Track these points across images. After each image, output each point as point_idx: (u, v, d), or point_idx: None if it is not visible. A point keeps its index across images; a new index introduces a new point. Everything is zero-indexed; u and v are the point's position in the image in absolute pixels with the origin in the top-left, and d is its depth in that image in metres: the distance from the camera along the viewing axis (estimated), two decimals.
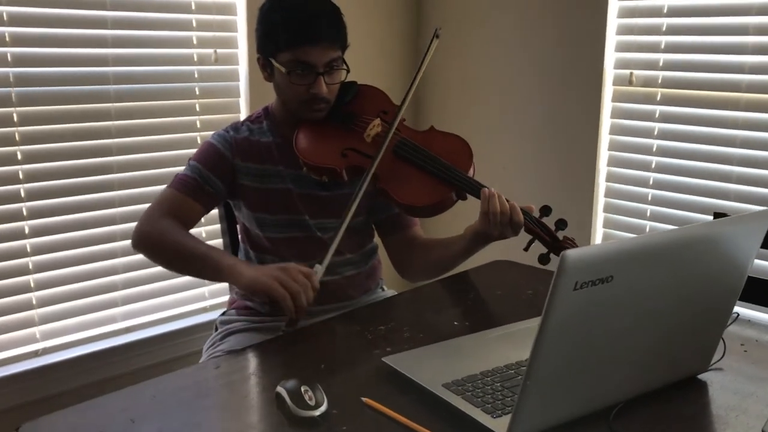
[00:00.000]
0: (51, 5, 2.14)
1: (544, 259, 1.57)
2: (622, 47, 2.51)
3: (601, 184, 2.63)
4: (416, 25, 3.08)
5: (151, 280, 2.43)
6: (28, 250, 2.21)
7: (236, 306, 1.92)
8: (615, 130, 2.57)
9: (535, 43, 2.71)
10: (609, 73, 2.55)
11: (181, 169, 1.74)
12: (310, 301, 1.48)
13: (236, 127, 1.79)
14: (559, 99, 2.67)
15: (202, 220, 2.36)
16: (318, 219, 1.77)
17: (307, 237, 1.78)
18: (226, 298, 1.99)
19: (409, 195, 1.64)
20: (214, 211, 1.88)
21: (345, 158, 1.68)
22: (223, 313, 1.91)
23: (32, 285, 2.23)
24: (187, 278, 2.55)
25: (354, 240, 1.86)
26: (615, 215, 2.61)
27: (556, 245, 1.57)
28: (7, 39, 2.09)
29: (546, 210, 1.61)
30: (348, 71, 1.73)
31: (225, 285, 2.23)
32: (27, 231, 2.19)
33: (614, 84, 2.54)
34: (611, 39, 2.52)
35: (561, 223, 1.59)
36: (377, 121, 1.73)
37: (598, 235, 2.66)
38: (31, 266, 2.22)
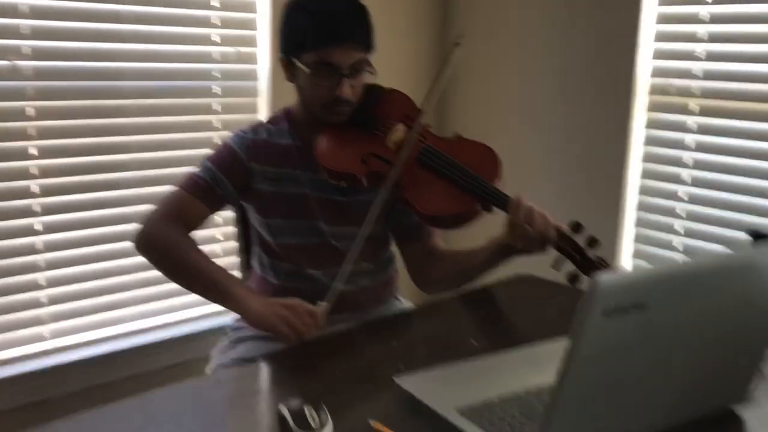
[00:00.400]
0: None
1: (573, 278, 1.48)
2: (659, 55, 2.40)
3: (632, 197, 2.52)
4: (443, 31, 2.99)
5: (164, 280, 2.36)
6: (40, 247, 2.16)
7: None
8: (649, 141, 2.46)
9: (564, 49, 2.61)
10: (644, 81, 2.44)
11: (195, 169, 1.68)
12: (313, 338, 1.45)
13: (255, 128, 1.73)
14: (588, 108, 2.57)
15: (220, 220, 2.36)
16: (333, 226, 1.70)
17: (321, 244, 1.71)
18: None
19: (432, 205, 1.56)
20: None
21: (365, 164, 1.61)
22: (237, 320, 1.85)
23: (43, 283, 2.18)
24: None
25: (370, 248, 1.78)
26: (646, 229, 2.50)
27: (586, 265, 1.48)
28: (25, 32, 2.04)
29: (577, 227, 1.51)
30: (374, 74, 1.66)
31: None
32: (39, 227, 2.15)
33: (650, 93, 2.43)
34: (648, 46, 2.41)
35: (593, 242, 1.49)
36: (400, 126, 1.65)
37: (627, 251, 2.55)
38: (42, 263, 2.17)
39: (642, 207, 2.51)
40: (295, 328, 1.44)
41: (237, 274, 2.33)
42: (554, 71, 2.66)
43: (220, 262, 2.42)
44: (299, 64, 1.60)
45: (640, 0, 2.37)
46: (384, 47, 2.55)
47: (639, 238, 2.53)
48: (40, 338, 2.21)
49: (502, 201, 1.52)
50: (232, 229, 1.99)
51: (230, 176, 1.67)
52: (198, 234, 2.34)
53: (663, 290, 0.85)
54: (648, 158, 2.47)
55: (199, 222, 1.68)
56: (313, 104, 1.64)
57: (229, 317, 1.87)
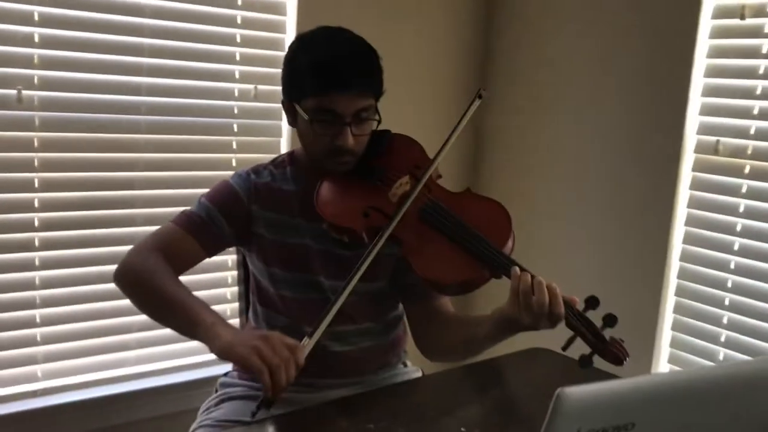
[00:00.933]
0: (83, 28, 2.04)
1: (585, 361, 1.30)
2: (708, 111, 2.21)
3: (674, 264, 2.30)
4: (481, 79, 2.86)
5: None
6: (37, 282, 2.08)
7: (239, 367, 1.73)
8: (694, 204, 2.25)
9: (608, 102, 2.44)
10: (691, 139, 2.24)
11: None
12: (291, 379, 1.26)
13: (258, 170, 1.61)
14: (631, 165, 2.38)
15: (230, 263, 2.24)
16: (334, 280, 1.56)
17: (322, 299, 1.56)
18: None
19: (433, 269, 1.40)
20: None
21: (367, 218, 1.47)
22: (226, 374, 1.73)
23: (38, 320, 2.10)
24: None
25: (373, 307, 1.64)
26: (688, 300, 2.28)
27: (600, 346, 1.30)
28: (36, 61, 1.99)
29: (592, 302, 1.34)
30: (379, 122, 1.53)
31: None
32: (37, 263, 2.07)
33: (696, 152, 2.24)
34: (695, 101, 2.22)
35: (609, 320, 1.32)
36: (406, 178, 1.51)
37: (667, 323, 2.33)
38: (38, 300, 2.09)
39: (683, 275, 2.29)
40: (268, 361, 1.23)
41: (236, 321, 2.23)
42: (597, 123, 2.49)
43: (228, 307, 2.39)
44: (299, 110, 1.49)
45: (692, 54, 2.20)
46: (423, 92, 2.43)
47: (678, 310, 2.31)
48: (33, 378, 2.12)
49: (504, 268, 1.36)
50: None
51: (228, 216, 1.56)
52: (207, 278, 2.30)
53: (655, 405, 0.67)
54: (691, 222, 2.27)
55: (187, 258, 1.54)
56: (314, 152, 1.52)
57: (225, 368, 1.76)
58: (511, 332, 1.40)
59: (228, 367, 1.75)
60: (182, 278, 1.48)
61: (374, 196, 1.50)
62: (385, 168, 1.54)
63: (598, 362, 1.31)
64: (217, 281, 2.37)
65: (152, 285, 1.42)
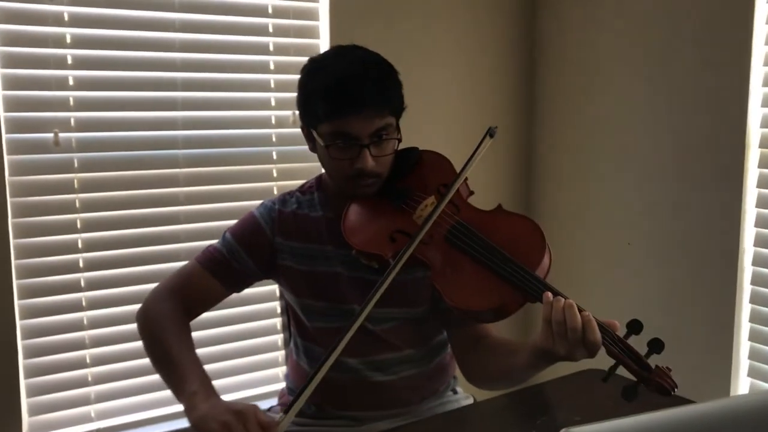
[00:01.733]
0: (116, 67, 2.05)
1: (630, 393, 1.18)
2: None
3: (747, 269, 2.13)
4: (533, 87, 2.76)
5: (214, 359, 2.23)
6: (85, 323, 2.08)
7: (283, 401, 1.70)
8: (763, 203, 2.08)
9: (666, 99, 2.30)
10: (755, 133, 2.08)
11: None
12: None
13: (284, 199, 1.57)
14: (694, 164, 2.23)
15: (277, 291, 2.20)
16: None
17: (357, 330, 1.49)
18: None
19: (462, 297, 1.30)
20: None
21: (394, 243, 1.39)
22: (269, 409, 1.68)
23: (88, 360, 2.10)
24: (258, 359, 2.35)
25: (414, 332, 1.56)
26: (763, 307, 2.10)
27: (645, 375, 1.18)
28: (71, 103, 2.01)
29: (635, 326, 1.22)
30: (400, 140, 1.45)
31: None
32: (84, 303, 2.08)
33: (761, 146, 2.07)
34: (757, 92, 2.06)
35: (655, 345, 1.20)
36: (431, 199, 1.42)
37: (744, 334, 2.16)
38: (87, 340, 2.09)
39: (756, 281, 2.12)
40: None
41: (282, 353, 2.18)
42: (654, 121, 2.35)
43: (280, 337, 2.35)
44: (316, 136, 1.43)
45: (750, 42, 2.04)
46: (458, 104, 2.34)
47: (755, 318, 2.13)
48: (87, 419, 2.12)
49: (538, 292, 1.25)
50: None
51: (251, 250, 1.52)
52: (259, 307, 2.27)
53: None
54: (761, 223, 2.10)
55: (207, 298, 1.53)
56: (336, 178, 1.46)
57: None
58: (547, 363, 1.29)
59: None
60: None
61: (400, 220, 1.42)
62: (412, 189, 1.46)
63: (645, 394, 1.18)
64: (268, 312, 2.33)
65: (158, 338, 1.43)
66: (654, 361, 1.19)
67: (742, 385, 2.17)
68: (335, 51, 1.46)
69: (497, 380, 1.49)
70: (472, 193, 1.48)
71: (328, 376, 1.53)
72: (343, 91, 1.36)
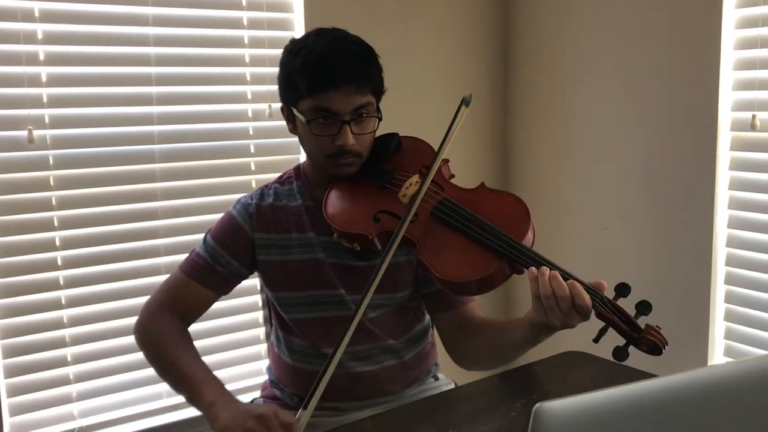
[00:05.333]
0: (90, 63, 2.03)
1: (620, 353, 1.21)
2: (741, 85, 2.08)
3: (720, 250, 2.17)
4: (505, 72, 2.78)
5: None
6: (65, 321, 2.07)
7: (266, 394, 1.70)
8: (735, 185, 2.12)
9: (637, 81, 2.33)
10: (725, 116, 2.11)
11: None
12: None
13: (261, 193, 1.57)
14: (666, 147, 2.26)
15: (258, 285, 2.20)
16: (355, 293, 1.50)
17: (340, 317, 1.50)
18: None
19: (449, 268, 1.32)
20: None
21: (378, 223, 1.40)
22: (252, 401, 1.68)
23: (69, 359, 2.09)
24: (240, 352, 2.35)
25: (397, 321, 1.57)
26: (738, 287, 2.14)
27: (635, 336, 1.21)
28: (45, 100, 1.99)
29: (623, 289, 1.25)
30: (380, 119, 1.47)
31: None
32: (63, 301, 2.06)
33: (732, 129, 2.11)
34: (727, 76, 2.09)
35: (643, 306, 1.23)
36: (415, 178, 1.44)
37: (719, 313, 2.20)
38: (67, 338, 2.08)
39: (731, 262, 2.16)
40: None
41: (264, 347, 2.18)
42: (629, 104, 2.38)
43: (261, 331, 2.34)
44: (297, 113, 1.44)
45: (719, 27, 2.07)
46: (435, 90, 2.35)
47: (729, 298, 2.17)
48: (69, 417, 2.10)
49: (523, 261, 1.27)
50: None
51: (233, 251, 1.53)
52: (240, 302, 2.26)
53: (638, 420, 0.58)
54: (734, 205, 2.14)
55: (199, 306, 1.55)
56: (317, 156, 1.47)
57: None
58: (545, 334, 1.31)
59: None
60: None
61: (384, 200, 1.43)
62: (394, 170, 1.48)
63: (636, 357, 1.21)
64: (250, 306, 2.33)
65: (166, 355, 1.45)
66: (642, 322, 1.21)
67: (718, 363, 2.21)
68: (316, 32, 1.47)
69: (489, 360, 1.51)
70: (453, 176, 1.50)
71: (309, 368, 1.55)
72: (324, 66, 1.38)
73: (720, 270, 2.18)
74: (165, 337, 1.47)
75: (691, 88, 2.17)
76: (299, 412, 1.25)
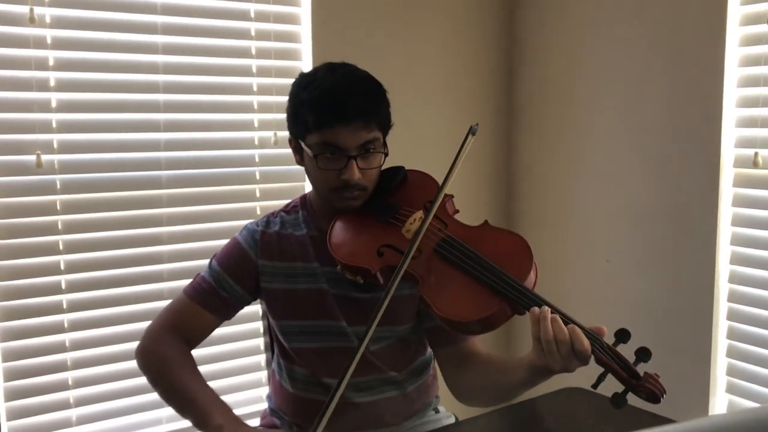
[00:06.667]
0: (99, 89, 2.06)
1: (618, 400, 1.20)
2: (744, 123, 2.10)
3: (723, 286, 2.17)
4: (508, 101, 2.80)
5: None
6: (67, 344, 2.07)
7: (265, 422, 1.70)
8: (738, 222, 2.13)
9: (641, 116, 2.34)
10: (728, 152, 2.13)
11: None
12: None
13: (268, 220, 1.58)
14: (669, 182, 2.27)
15: (261, 312, 2.20)
16: (357, 325, 1.51)
17: (341, 348, 1.51)
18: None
19: (451, 307, 1.32)
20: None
21: (381, 257, 1.41)
22: None
23: (70, 383, 2.09)
24: (240, 379, 2.35)
25: (398, 353, 1.57)
26: (740, 324, 2.14)
27: (634, 384, 1.20)
28: (54, 125, 2.01)
29: (623, 335, 1.24)
30: (386, 155, 1.48)
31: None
32: (66, 325, 2.07)
33: (735, 166, 2.12)
34: (730, 112, 2.11)
35: (643, 353, 1.22)
36: (419, 213, 1.45)
37: (720, 350, 2.19)
38: (69, 362, 2.08)
39: (733, 298, 2.16)
40: None
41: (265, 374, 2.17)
42: (631, 141, 2.39)
43: (262, 358, 2.34)
44: (304, 146, 1.46)
45: (722, 64, 2.09)
46: (440, 121, 2.36)
47: (731, 335, 2.17)
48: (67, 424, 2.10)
49: (525, 303, 1.27)
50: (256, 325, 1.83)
51: (237, 277, 1.54)
52: (241, 329, 2.26)
53: None
54: (737, 241, 2.14)
55: (202, 330, 1.56)
56: (323, 189, 1.48)
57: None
58: (544, 377, 1.31)
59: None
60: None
61: (388, 234, 1.44)
62: (399, 205, 1.49)
63: (635, 400, 1.21)
64: (251, 333, 2.34)
65: (170, 379, 1.47)
66: (642, 369, 1.21)
67: (720, 401, 2.20)
68: (326, 66, 1.49)
69: (488, 397, 1.51)
70: (457, 211, 1.51)
71: (310, 397, 1.55)
72: (333, 102, 1.40)
73: (722, 306, 2.18)
74: (169, 360, 1.48)
75: (694, 125, 2.19)
76: None
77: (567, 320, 1.24)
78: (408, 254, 1.34)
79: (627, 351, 1.23)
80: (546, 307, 1.25)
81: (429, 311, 1.36)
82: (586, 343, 1.21)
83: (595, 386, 1.22)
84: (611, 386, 1.21)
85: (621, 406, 1.20)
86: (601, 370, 1.23)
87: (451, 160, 1.40)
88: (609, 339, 1.25)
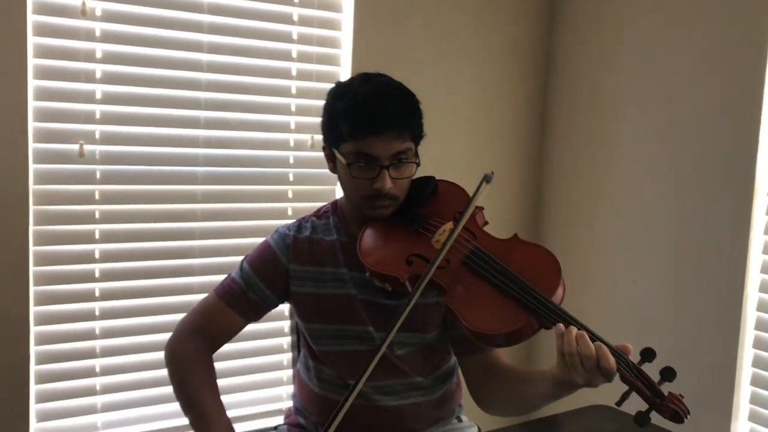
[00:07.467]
0: (143, 84, 2.10)
1: (642, 419, 1.21)
2: None
3: (750, 313, 2.16)
4: (540, 120, 2.81)
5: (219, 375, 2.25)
6: (97, 332, 2.11)
7: (289, 421, 1.72)
8: None
9: (675, 139, 2.34)
10: (763, 179, 2.12)
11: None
12: None
13: (299, 225, 1.61)
14: (700, 206, 2.26)
15: (285, 311, 2.22)
16: (384, 331, 1.50)
17: (368, 351, 1.52)
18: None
19: (478, 319, 1.33)
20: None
21: (410, 266, 1.43)
22: (275, 428, 1.72)
23: (97, 370, 2.12)
24: (262, 377, 2.37)
25: (424, 359, 1.59)
26: (766, 353, 2.13)
27: (658, 403, 1.21)
28: (97, 116, 2.05)
29: (648, 354, 1.25)
30: (418, 165, 1.50)
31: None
32: (98, 312, 2.10)
33: None
34: (766, 136, 2.10)
35: (668, 373, 1.23)
36: (449, 225, 1.47)
37: (745, 378, 2.18)
38: (98, 350, 2.12)
39: (761, 326, 2.15)
40: None
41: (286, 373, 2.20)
42: (664, 163, 2.39)
43: (285, 357, 2.36)
44: (338, 155, 1.48)
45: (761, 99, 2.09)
46: (475, 135, 2.36)
47: (757, 363, 2.16)
48: (93, 428, 2.13)
49: (553, 318, 1.28)
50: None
51: (267, 279, 1.57)
52: (265, 327, 2.29)
53: None
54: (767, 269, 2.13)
55: (229, 331, 1.60)
56: (355, 197, 1.51)
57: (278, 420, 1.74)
58: (567, 391, 1.32)
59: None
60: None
61: (417, 244, 1.46)
62: (429, 215, 1.51)
63: (658, 419, 1.21)
64: (275, 331, 2.36)
65: (186, 384, 1.53)
66: (666, 389, 1.21)
67: (742, 427, 2.19)
68: (361, 76, 1.52)
69: (510, 407, 1.52)
70: (486, 222, 1.52)
71: (336, 398, 1.57)
72: (367, 112, 1.42)
73: (749, 333, 2.17)
74: (191, 365, 1.54)
75: (729, 150, 2.18)
76: None
77: (594, 338, 1.25)
78: (434, 263, 1.35)
79: (652, 370, 1.24)
80: (572, 327, 1.25)
81: (455, 321, 1.37)
82: (612, 360, 1.22)
83: (619, 403, 1.23)
84: (636, 404, 1.21)
85: (644, 424, 1.21)
86: (625, 387, 1.23)
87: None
88: (634, 358, 1.25)
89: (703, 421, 2.13)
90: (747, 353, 2.17)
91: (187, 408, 1.51)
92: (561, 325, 1.25)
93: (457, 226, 1.39)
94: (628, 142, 2.49)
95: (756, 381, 2.16)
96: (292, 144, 2.34)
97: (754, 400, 2.17)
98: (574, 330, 1.24)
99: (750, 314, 2.16)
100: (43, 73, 1.97)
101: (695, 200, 2.28)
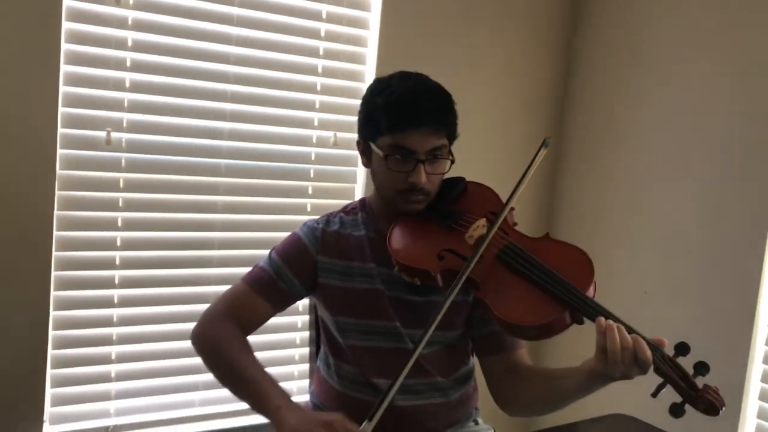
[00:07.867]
0: (172, 74, 2.10)
1: (677, 410, 1.24)
2: None
3: (763, 326, 2.19)
4: (558, 126, 2.83)
5: None
6: (115, 320, 2.11)
7: None
8: None
9: (692, 149, 2.36)
10: None
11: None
12: None
13: (328, 219, 1.63)
14: (715, 218, 2.29)
15: (299, 306, 2.24)
16: (411, 328, 1.55)
17: (394, 349, 1.55)
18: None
19: (512, 311, 1.35)
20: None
21: (442, 260, 1.45)
22: None
23: (113, 357, 2.13)
24: (273, 371, 2.37)
25: (446, 359, 1.61)
26: None
27: (693, 395, 1.23)
28: (126, 104, 2.06)
29: (683, 348, 1.28)
30: (453, 162, 1.53)
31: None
32: (116, 300, 2.11)
33: None
34: None
35: (701, 367, 1.26)
36: (482, 221, 1.49)
37: (753, 389, 2.20)
38: (114, 337, 2.12)
39: None
40: None
41: (305, 367, 2.21)
42: (680, 176, 2.41)
43: (296, 352, 2.38)
44: (374, 148, 1.51)
45: None
46: (499, 140, 2.38)
47: (766, 378, 2.18)
48: (105, 414, 2.14)
49: (593, 312, 1.31)
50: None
51: (296, 270, 1.58)
52: (277, 321, 2.29)
53: None
54: None
55: (258, 319, 1.59)
56: (388, 190, 1.53)
57: None
58: (601, 384, 1.35)
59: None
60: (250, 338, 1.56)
61: (449, 239, 1.48)
62: (461, 212, 1.53)
63: (690, 411, 1.24)
64: (287, 326, 2.37)
65: (226, 360, 1.49)
66: (700, 382, 1.24)
67: None
68: (400, 74, 1.54)
69: (535, 406, 1.53)
70: (515, 224, 1.55)
71: (356, 396, 1.58)
72: (406, 106, 1.45)
73: (759, 348, 2.19)
74: (227, 343, 1.51)
75: (747, 160, 2.21)
76: (363, 424, 1.29)
77: (630, 330, 1.28)
78: (473, 258, 1.38)
79: (686, 364, 1.26)
80: (611, 321, 1.28)
81: (488, 315, 1.39)
82: (649, 353, 1.25)
83: (654, 395, 1.25)
84: (669, 398, 1.23)
85: (679, 416, 1.24)
86: (660, 380, 1.26)
87: (514, 175, 1.44)
88: (669, 351, 1.28)
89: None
90: (756, 368, 2.20)
91: (236, 386, 1.46)
92: (602, 320, 1.28)
93: (501, 212, 1.42)
94: (647, 151, 2.51)
95: (765, 396, 2.18)
96: (314, 140, 2.35)
97: (762, 414, 2.19)
98: (614, 325, 1.27)
99: (762, 329, 2.19)
100: (74, 59, 1.97)
101: (710, 212, 2.31)
